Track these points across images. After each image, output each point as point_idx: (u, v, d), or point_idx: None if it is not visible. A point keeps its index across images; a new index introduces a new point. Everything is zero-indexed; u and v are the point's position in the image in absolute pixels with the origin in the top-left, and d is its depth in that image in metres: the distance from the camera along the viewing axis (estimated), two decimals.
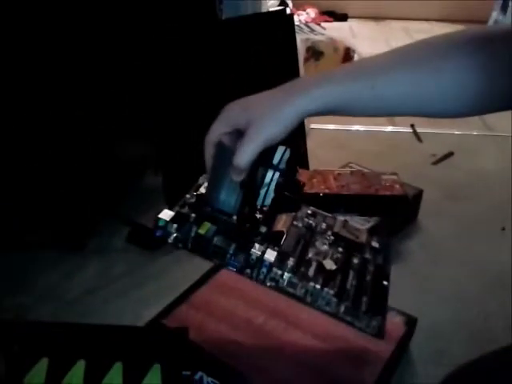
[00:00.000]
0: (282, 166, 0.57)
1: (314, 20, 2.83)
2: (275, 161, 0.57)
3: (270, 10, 2.06)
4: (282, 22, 1.24)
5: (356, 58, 1.99)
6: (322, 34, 2.08)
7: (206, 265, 0.84)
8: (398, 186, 1.05)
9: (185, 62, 1.03)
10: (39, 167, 1.02)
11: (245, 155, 0.50)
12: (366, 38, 2.66)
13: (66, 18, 0.97)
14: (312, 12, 2.95)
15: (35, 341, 0.63)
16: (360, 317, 0.58)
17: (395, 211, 1.04)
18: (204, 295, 0.81)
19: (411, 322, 0.77)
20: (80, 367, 0.59)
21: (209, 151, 0.55)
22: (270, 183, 0.57)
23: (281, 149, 0.57)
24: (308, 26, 2.37)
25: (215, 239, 0.57)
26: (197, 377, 0.66)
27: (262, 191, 0.58)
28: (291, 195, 0.62)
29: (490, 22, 2.52)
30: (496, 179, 1.27)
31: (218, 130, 0.53)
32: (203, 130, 0.54)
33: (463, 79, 0.49)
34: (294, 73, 1.27)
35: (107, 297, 0.89)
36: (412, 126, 1.57)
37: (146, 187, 1.25)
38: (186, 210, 0.60)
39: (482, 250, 1.02)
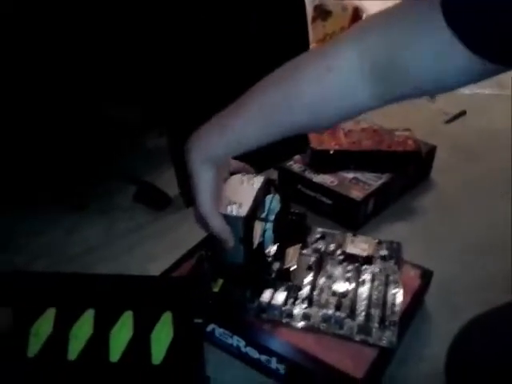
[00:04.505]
0: (271, 214, 0.65)
1: None
2: (264, 213, 0.65)
3: None
4: None
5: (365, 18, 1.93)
6: None
7: None
8: (411, 142, 1.02)
9: (190, 16, 0.98)
10: (43, 125, 1.00)
11: (213, 227, 0.57)
12: None
13: None
14: None
15: (42, 291, 0.61)
16: (373, 333, 0.61)
17: (408, 167, 1.01)
18: None
19: (427, 276, 0.75)
20: (89, 316, 0.58)
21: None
22: (264, 233, 0.64)
23: (268, 198, 0.65)
24: None
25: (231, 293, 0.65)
26: (209, 329, 0.64)
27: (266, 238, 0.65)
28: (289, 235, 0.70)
29: None
30: (508, 138, 1.24)
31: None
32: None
33: None
34: (302, 31, 1.23)
35: (111, 253, 0.87)
36: None
37: (152, 147, 1.23)
38: (205, 265, 0.69)
39: (494, 206, 0.99)
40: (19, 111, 0.97)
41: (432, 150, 1.09)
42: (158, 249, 0.87)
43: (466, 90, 1.51)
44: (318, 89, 0.46)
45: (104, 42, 1.02)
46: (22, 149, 1.00)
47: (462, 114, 1.38)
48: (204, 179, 0.53)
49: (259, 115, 0.50)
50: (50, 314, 0.58)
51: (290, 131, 0.51)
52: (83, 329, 0.56)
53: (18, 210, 0.97)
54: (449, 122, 1.35)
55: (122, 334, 0.56)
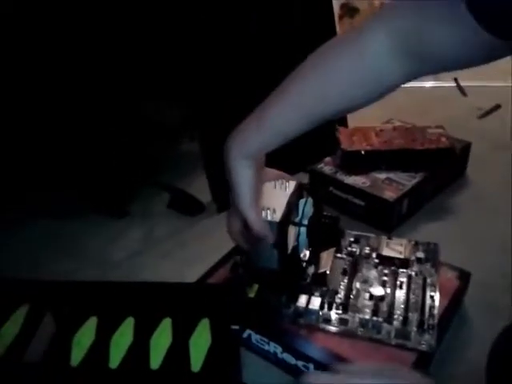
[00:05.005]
0: (305, 219, 0.64)
1: None
2: (298, 218, 0.64)
3: None
4: None
5: None
6: None
7: None
8: (444, 139, 1.00)
9: (220, 19, 0.99)
10: (80, 136, 1.02)
11: (253, 223, 0.56)
12: None
13: None
14: None
15: (84, 300, 0.63)
16: (411, 337, 0.60)
17: (442, 165, 0.99)
18: None
19: (464, 277, 0.74)
20: (129, 324, 0.59)
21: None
22: (298, 238, 0.64)
23: (301, 202, 0.65)
24: None
25: (267, 298, 0.65)
26: (245, 335, 0.65)
27: (300, 242, 0.65)
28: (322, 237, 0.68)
29: None
30: None
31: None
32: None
33: None
34: (329, 29, 1.22)
35: (151, 259, 0.89)
36: (455, 79, 1.50)
37: (182, 153, 1.24)
38: (240, 270, 0.70)
39: None
40: (55, 116, 1.00)
41: (467, 147, 1.07)
42: (193, 255, 0.88)
43: (499, 83, 1.48)
44: (353, 76, 0.49)
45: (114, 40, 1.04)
46: (64, 159, 1.03)
47: (497, 107, 1.35)
48: (243, 175, 0.53)
49: (294, 105, 0.51)
50: (92, 323, 0.60)
51: (326, 117, 0.52)
52: (124, 337, 0.58)
53: (60, 220, 1.01)
54: (482, 116, 1.32)
55: (161, 341, 0.57)
